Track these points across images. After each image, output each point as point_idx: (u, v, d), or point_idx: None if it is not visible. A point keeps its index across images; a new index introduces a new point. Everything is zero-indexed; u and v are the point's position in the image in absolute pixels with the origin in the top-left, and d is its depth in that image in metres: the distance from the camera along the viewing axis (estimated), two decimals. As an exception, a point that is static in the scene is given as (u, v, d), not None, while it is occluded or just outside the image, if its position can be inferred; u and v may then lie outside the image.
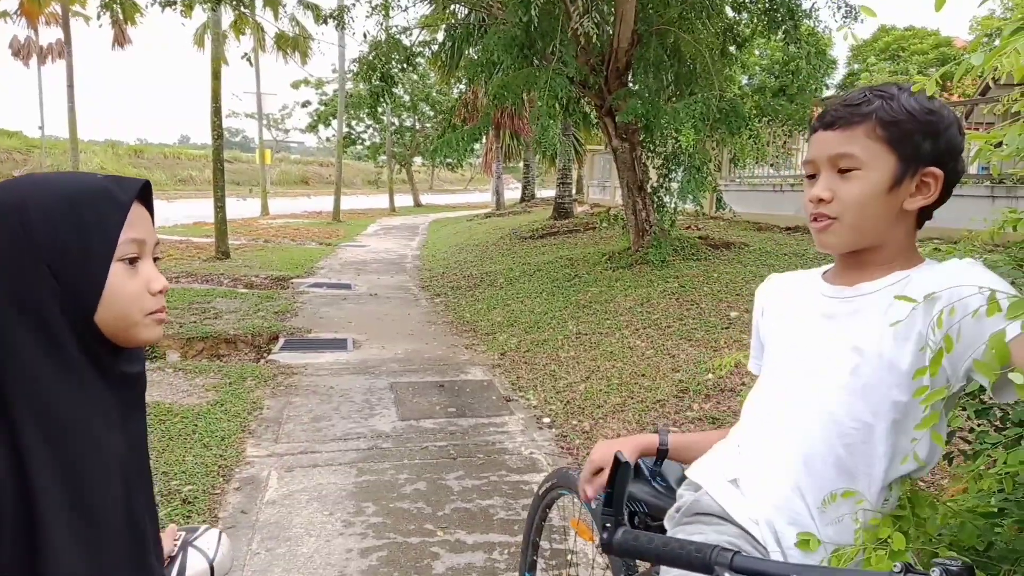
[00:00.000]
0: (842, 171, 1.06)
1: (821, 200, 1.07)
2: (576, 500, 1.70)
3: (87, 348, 0.79)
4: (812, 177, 1.11)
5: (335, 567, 2.65)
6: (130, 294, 0.82)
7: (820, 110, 1.16)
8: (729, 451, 1.23)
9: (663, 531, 1.30)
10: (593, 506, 1.58)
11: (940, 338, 0.97)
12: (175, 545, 1.02)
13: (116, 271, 0.81)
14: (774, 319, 1.25)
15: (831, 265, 1.20)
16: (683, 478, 1.37)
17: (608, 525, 1.01)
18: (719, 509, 1.15)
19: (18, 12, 17.00)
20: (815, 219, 1.10)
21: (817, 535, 1.04)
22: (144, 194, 0.85)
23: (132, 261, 0.83)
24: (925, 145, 1.04)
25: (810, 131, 1.14)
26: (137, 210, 0.83)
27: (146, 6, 8.65)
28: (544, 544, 2.26)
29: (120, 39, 17.34)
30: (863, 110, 1.05)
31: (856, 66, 30.72)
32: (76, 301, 0.78)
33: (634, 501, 1.46)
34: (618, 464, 1.06)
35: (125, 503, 0.81)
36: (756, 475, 1.14)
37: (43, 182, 0.81)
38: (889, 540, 1.01)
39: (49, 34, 25.48)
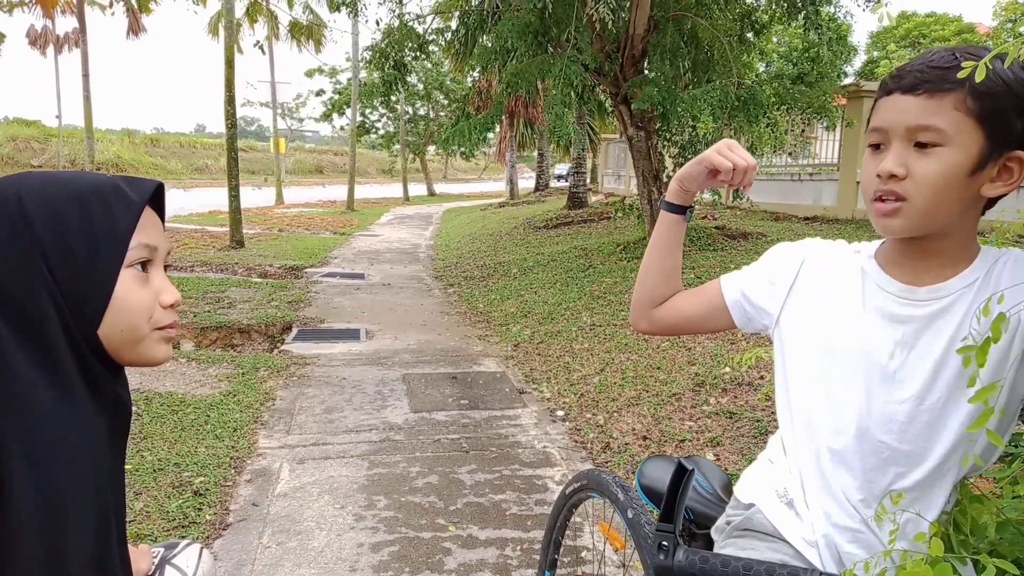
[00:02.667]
0: (920, 145, 0.92)
1: (893, 176, 0.93)
2: (607, 504, 1.62)
3: (84, 364, 0.72)
4: (876, 148, 0.97)
5: (346, 562, 2.62)
6: (139, 304, 0.75)
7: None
8: (779, 466, 1.14)
9: (709, 542, 1.24)
10: (630, 515, 1.47)
11: (987, 327, 0.90)
12: (152, 563, 0.96)
13: (125, 278, 0.74)
14: (812, 300, 1.09)
15: (879, 242, 1.07)
16: (727, 482, 1.31)
17: (665, 544, 0.90)
18: (772, 528, 1.09)
19: (34, 1, 17.08)
20: (880, 198, 0.95)
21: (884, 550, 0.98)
22: (155, 197, 0.79)
23: (143, 267, 0.76)
24: (1017, 124, 0.90)
25: (880, 91, 0.98)
26: (149, 214, 0.77)
27: (159, -6, 8.61)
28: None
29: (135, 28, 17.36)
30: (954, 75, 0.88)
31: (876, 53, 30.22)
32: (78, 309, 0.71)
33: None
34: (682, 472, 0.95)
35: (101, 541, 0.74)
36: (812, 494, 1.07)
37: (51, 178, 0.74)
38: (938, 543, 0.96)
39: (65, 23, 25.62)
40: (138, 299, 0.75)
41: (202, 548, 1.00)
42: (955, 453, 0.99)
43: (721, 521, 1.20)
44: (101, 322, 0.73)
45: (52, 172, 0.76)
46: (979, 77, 0.80)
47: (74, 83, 13.63)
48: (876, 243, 1.08)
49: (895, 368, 1.00)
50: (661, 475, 1.39)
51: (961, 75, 0.83)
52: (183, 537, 2.73)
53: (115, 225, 0.73)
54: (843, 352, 1.04)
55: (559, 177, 40.09)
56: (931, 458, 1.00)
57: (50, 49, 27.98)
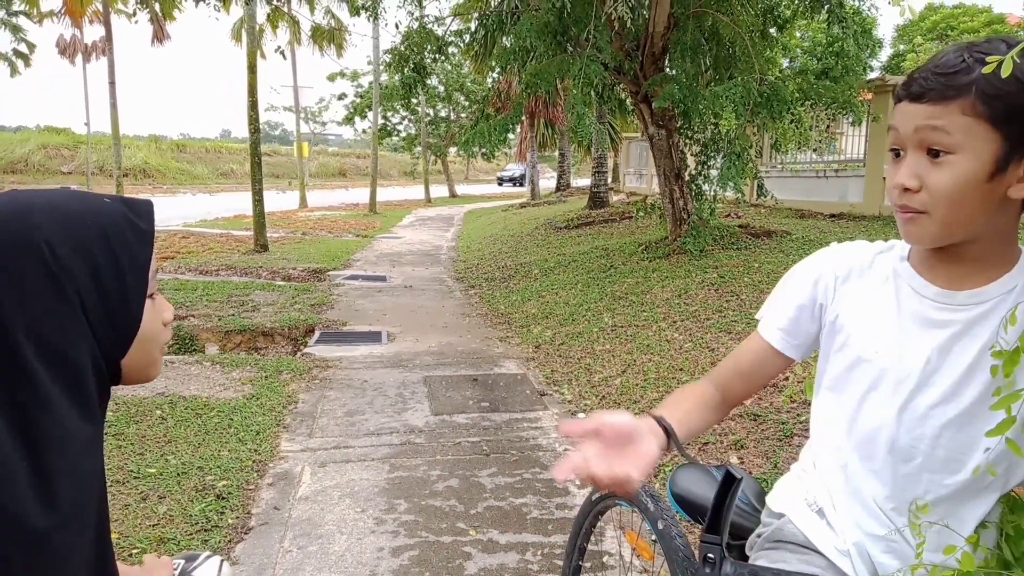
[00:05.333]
0: (932, 152, 0.88)
1: (906, 190, 0.90)
2: (635, 513, 1.58)
3: (104, 393, 0.73)
4: (896, 153, 0.94)
5: (366, 566, 2.61)
6: (156, 331, 0.77)
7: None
8: (809, 475, 1.11)
9: (743, 554, 1.21)
10: (660, 526, 1.40)
11: (1014, 336, 0.87)
12: (173, 575, 0.96)
13: (145, 308, 0.75)
14: (848, 310, 1.04)
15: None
16: (760, 492, 1.28)
17: (711, 556, 0.87)
18: (803, 539, 1.06)
19: (63, 11, 17.42)
20: (901, 208, 0.93)
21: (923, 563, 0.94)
22: None
23: (151, 295, 0.77)
24: None
25: (894, 98, 0.95)
26: None
27: (182, 0, 8.72)
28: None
29: (159, 35, 17.64)
30: (960, 80, 0.84)
31: (902, 47, 29.70)
32: (109, 345, 0.72)
33: None
34: (730, 480, 0.91)
35: (100, 540, 0.75)
36: (842, 502, 1.04)
37: (67, 215, 0.70)
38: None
39: (93, 32, 26.09)
40: (153, 326, 0.77)
41: (222, 561, 1.01)
42: (998, 462, 0.95)
43: (753, 535, 1.17)
44: (126, 354, 0.74)
45: (55, 200, 0.71)
46: (1005, 71, 0.76)
47: (102, 91, 13.86)
48: (903, 242, 1.03)
49: (929, 373, 0.96)
50: (694, 484, 1.35)
51: (987, 70, 0.79)
52: (206, 541, 2.75)
53: (136, 259, 0.73)
54: (878, 358, 1.00)
55: (511, 180, 38.86)
56: (967, 466, 0.96)
57: (79, 58, 28.54)
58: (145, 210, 0.76)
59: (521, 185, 40.90)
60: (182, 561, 0.98)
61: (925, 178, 0.89)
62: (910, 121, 0.89)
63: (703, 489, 1.32)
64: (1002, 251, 0.94)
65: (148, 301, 0.75)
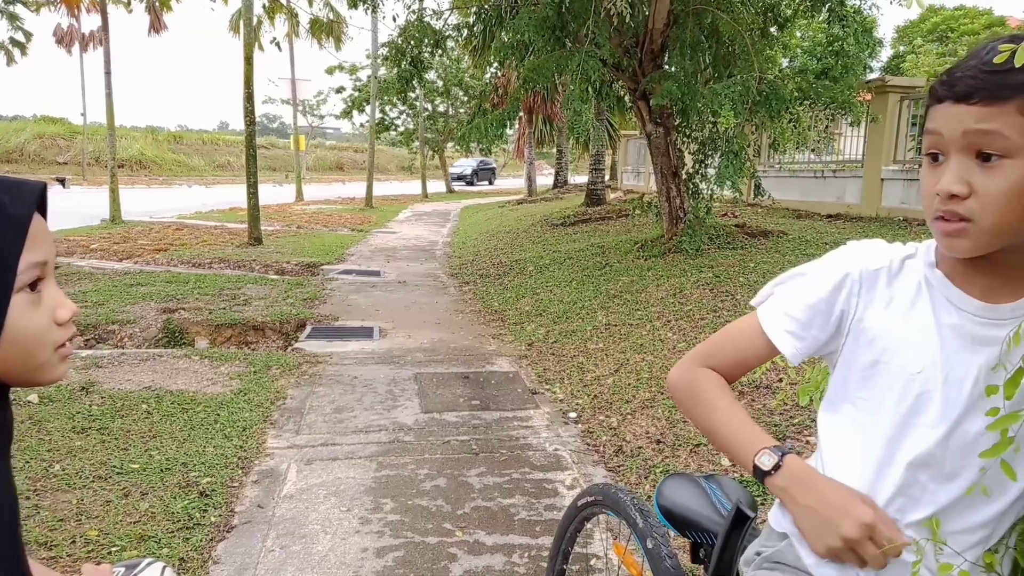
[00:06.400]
0: (982, 156, 0.81)
1: (953, 196, 0.82)
2: (623, 524, 1.52)
3: None
4: (934, 157, 0.86)
5: (350, 567, 2.56)
6: (36, 330, 0.69)
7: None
8: None
9: (725, 563, 1.15)
10: (649, 545, 1.37)
11: (1019, 358, 0.82)
12: None
13: (16, 304, 0.67)
14: (879, 322, 0.95)
15: (934, 244, 0.95)
16: (751, 500, 1.22)
17: None
18: (803, 565, 1.00)
19: (59, 0, 17.29)
20: (943, 217, 0.84)
21: None
22: (39, 199, 0.71)
23: (33, 286, 0.69)
24: None
25: (930, 98, 0.87)
26: (36, 223, 0.69)
27: (177, -9, 8.64)
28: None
29: (156, 25, 17.50)
30: (1015, 78, 0.77)
31: (902, 48, 29.67)
32: None
33: (700, 531, 1.26)
34: (742, 519, 0.86)
35: (10, 542, 0.69)
36: None
37: None
38: None
39: (91, 22, 25.93)
40: (33, 324, 0.68)
41: (164, 567, 0.95)
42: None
43: (750, 552, 1.11)
44: None
45: None
46: (1019, 61, 0.70)
47: (99, 81, 13.75)
48: (930, 244, 0.95)
49: (978, 396, 0.89)
50: (682, 496, 1.29)
51: (998, 60, 0.73)
52: (187, 539, 2.69)
53: (1, 249, 0.66)
54: (919, 378, 0.92)
55: (459, 178, 36.89)
56: (1008, 494, 0.91)
57: (75, 47, 28.39)
58: (24, 193, 0.68)
59: (471, 184, 39.38)
60: (122, 568, 0.92)
61: (974, 183, 0.82)
62: (956, 124, 0.82)
63: (691, 502, 1.26)
64: None
65: (26, 296, 0.68)
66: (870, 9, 7.65)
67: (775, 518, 1.08)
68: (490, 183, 42.22)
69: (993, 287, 0.89)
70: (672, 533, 1.35)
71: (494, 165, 43.87)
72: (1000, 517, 0.93)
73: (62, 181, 28.24)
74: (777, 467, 0.92)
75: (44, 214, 0.72)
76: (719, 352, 1.08)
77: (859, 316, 0.97)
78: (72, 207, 17.08)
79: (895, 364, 0.94)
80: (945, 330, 0.91)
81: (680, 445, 3.50)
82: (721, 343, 1.08)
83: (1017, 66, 0.71)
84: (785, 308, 1.02)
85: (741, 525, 0.87)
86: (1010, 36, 0.81)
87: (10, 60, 34.65)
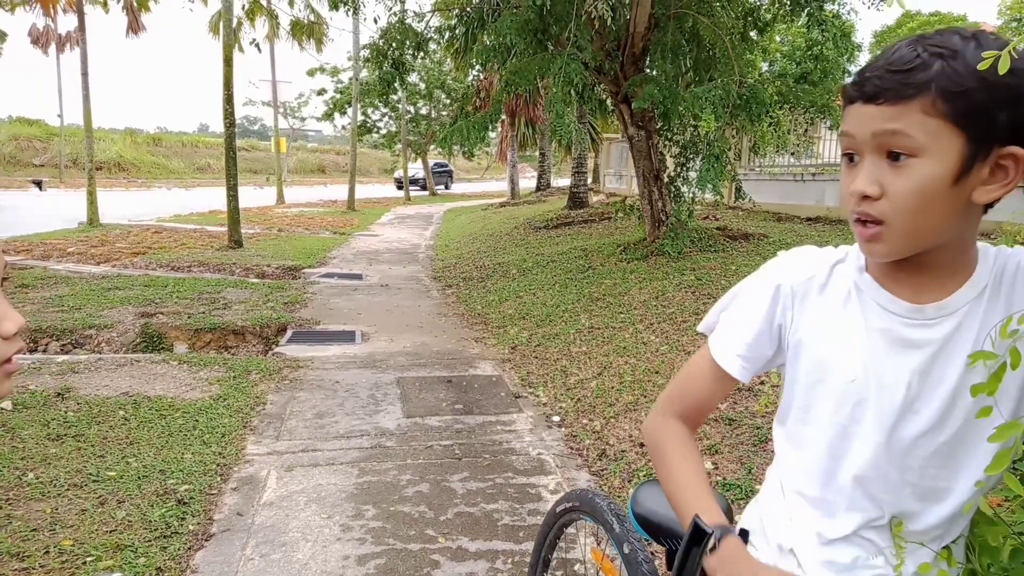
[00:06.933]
0: (892, 155, 0.81)
1: (866, 197, 0.83)
2: (600, 529, 1.51)
3: None
4: (850, 157, 0.86)
5: (331, 575, 2.53)
6: None
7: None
8: (778, 507, 1.04)
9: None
10: (626, 550, 1.37)
11: (1003, 349, 0.82)
12: None
13: None
14: (813, 334, 0.95)
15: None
16: (727, 507, 1.21)
17: None
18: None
19: (35, 0, 17.03)
20: (860, 220, 0.85)
21: None
22: None
23: None
24: (1002, 117, 0.77)
25: (844, 99, 0.87)
26: None
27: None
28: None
29: (134, 26, 17.28)
30: (918, 77, 0.78)
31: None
32: None
33: (674, 538, 1.24)
34: (699, 535, 0.84)
35: None
36: (815, 542, 0.98)
37: None
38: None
39: (67, 22, 25.59)
40: None
41: None
42: (985, 486, 0.91)
43: None
44: None
45: None
46: (1002, 68, 0.70)
47: (76, 82, 13.56)
48: (858, 248, 0.95)
49: (912, 398, 0.89)
50: (657, 504, 1.28)
51: (983, 65, 0.73)
52: (165, 548, 2.65)
53: None
54: (853, 387, 0.92)
55: (412, 182, 31.37)
56: (956, 494, 0.91)
57: (52, 48, 27.98)
58: None
59: (424, 188, 34.31)
60: None
61: (886, 184, 0.82)
62: (866, 124, 0.82)
63: (666, 509, 1.25)
64: (964, 254, 0.88)
65: None
66: (848, 14, 7.77)
67: (746, 526, 1.08)
68: (447, 187, 38.92)
69: (920, 287, 0.88)
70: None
71: (451, 168, 39.69)
72: (952, 519, 0.93)
73: (38, 184, 27.83)
74: (713, 548, 0.91)
75: None
76: (683, 397, 1.08)
77: (794, 328, 0.97)
78: (49, 210, 16.82)
79: (831, 374, 0.93)
80: (875, 335, 0.90)
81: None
82: (683, 387, 1.08)
83: (1001, 74, 0.71)
84: (732, 332, 1.02)
85: (699, 541, 0.86)
86: (928, 39, 0.81)
87: (-16, 60, 34.07)
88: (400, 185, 32.26)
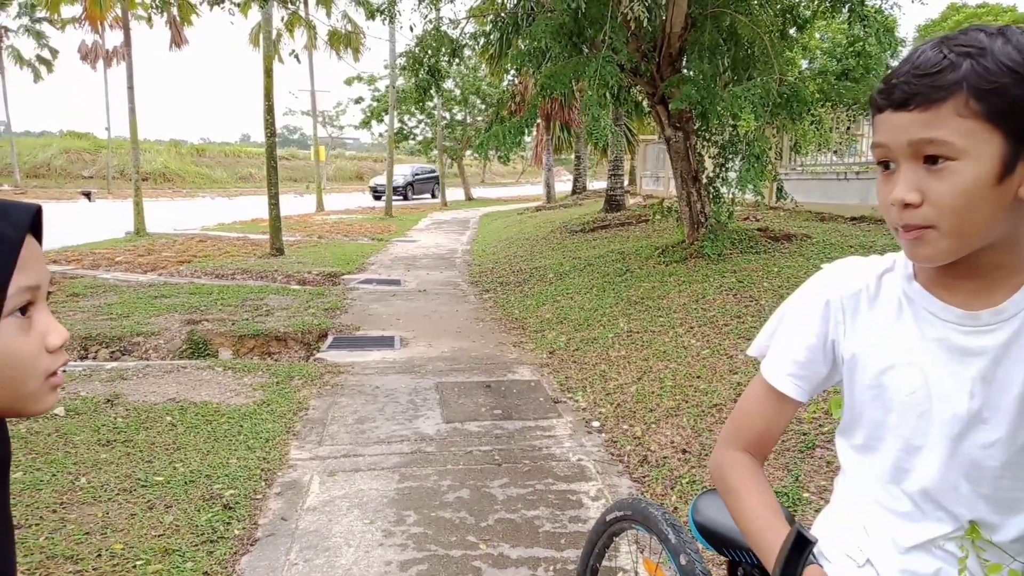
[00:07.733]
0: (929, 160, 0.78)
1: (908, 205, 0.80)
2: (652, 539, 1.48)
3: None
4: (886, 165, 0.83)
5: (373, 581, 2.54)
6: (25, 356, 0.65)
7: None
8: (849, 519, 1.00)
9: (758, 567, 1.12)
10: (683, 561, 1.34)
11: None
12: None
13: (5, 329, 0.64)
14: (867, 348, 0.92)
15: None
16: (790, 518, 1.19)
17: None
18: None
19: (83, 17, 17.62)
20: (904, 227, 0.82)
21: None
22: (34, 222, 0.68)
23: (24, 310, 0.66)
24: None
25: (872, 108, 0.84)
26: (28, 246, 0.66)
27: (199, 3, 8.75)
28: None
29: (177, 40, 17.78)
30: (947, 79, 0.75)
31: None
32: None
33: (738, 549, 1.21)
34: (803, 543, 0.81)
35: (3, 559, 0.67)
36: (891, 553, 0.94)
37: None
38: None
39: (114, 38, 26.44)
40: (22, 350, 0.65)
41: None
42: None
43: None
44: None
45: None
46: None
47: (123, 96, 13.97)
48: (903, 255, 0.92)
49: (977, 408, 0.85)
50: (719, 512, 1.25)
51: (952, 77, 0.71)
52: (211, 553, 2.69)
53: None
54: (913, 400, 0.89)
55: (381, 192, 25.89)
56: None
57: (99, 63, 28.92)
58: (17, 215, 0.66)
59: (406, 198, 31.14)
60: None
61: (926, 190, 0.79)
62: (900, 134, 0.79)
63: (729, 519, 1.22)
64: (1017, 255, 0.84)
65: (15, 320, 0.65)
66: (891, 8, 7.54)
67: (815, 532, 1.05)
68: (432, 196, 32.61)
69: (972, 292, 0.85)
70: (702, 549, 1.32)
71: (437, 173, 31.42)
72: None
73: (88, 195, 28.74)
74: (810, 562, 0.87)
75: (39, 237, 0.70)
76: (744, 427, 1.05)
77: (847, 343, 0.95)
78: (98, 220, 17.36)
79: (890, 388, 0.91)
80: (931, 345, 0.87)
81: (706, 455, 3.44)
82: (742, 416, 1.06)
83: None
84: (783, 352, 1.00)
85: (802, 549, 0.82)
86: (954, 37, 0.78)
87: (37, 77, 35.39)
88: (378, 195, 29.02)
